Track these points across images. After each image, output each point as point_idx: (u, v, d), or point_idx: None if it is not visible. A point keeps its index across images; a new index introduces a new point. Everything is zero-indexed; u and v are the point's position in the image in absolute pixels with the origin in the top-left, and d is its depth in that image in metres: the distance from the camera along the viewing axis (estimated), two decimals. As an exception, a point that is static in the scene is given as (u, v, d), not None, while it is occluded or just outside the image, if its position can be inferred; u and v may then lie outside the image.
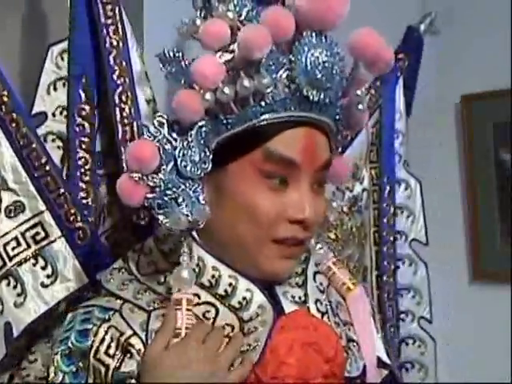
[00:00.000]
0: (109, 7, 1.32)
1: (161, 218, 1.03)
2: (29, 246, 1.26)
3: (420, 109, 1.91)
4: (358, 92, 1.11)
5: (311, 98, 1.03)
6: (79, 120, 1.31)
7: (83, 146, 1.31)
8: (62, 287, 1.26)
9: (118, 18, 1.33)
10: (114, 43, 1.33)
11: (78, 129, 1.30)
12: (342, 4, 1.04)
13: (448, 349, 1.99)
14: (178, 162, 1.03)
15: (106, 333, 1.04)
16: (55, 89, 1.32)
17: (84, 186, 1.30)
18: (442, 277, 2.01)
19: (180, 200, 1.03)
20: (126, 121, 1.32)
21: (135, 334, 1.04)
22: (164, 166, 1.03)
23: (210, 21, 1.05)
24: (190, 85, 1.02)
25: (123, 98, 1.33)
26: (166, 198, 1.03)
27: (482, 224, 2.17)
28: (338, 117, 1.10)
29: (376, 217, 1.72)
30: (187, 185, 1.04)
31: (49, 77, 1.32)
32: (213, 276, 1.07)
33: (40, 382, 1.26)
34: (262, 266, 1.06)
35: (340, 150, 1.25)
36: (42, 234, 1.26)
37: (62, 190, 1.27)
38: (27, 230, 1.26)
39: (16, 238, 1.26)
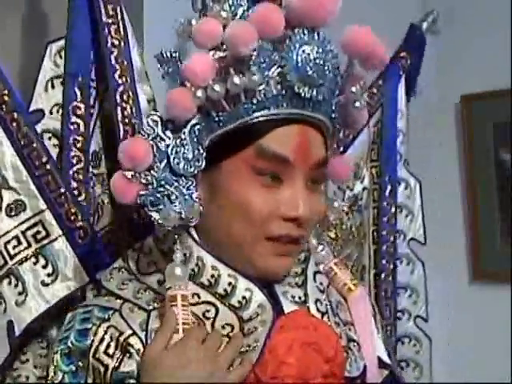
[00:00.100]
0: (110, 6, 1.32)
1: (153, 215, 1.03)
2: (29, 245, 1.26)
3: (420, 109, 1.91)
4: (353, 89, 1.10)
5: (303, 94, 1.03)
6: (74, 118, 1.30)
7: (77, 145, 1.30)
8: (62, 286, 1.26)
9: (119, 17, 1.33)
10: (116, 43, 1.33)
11: (72, 127, 1.30)
12: (333, 1, 1.04)
13: (448, 349, 2.00)
14: (171, 160, 1.03)
15: (106, 332, 1.04)
16: (53, 86, 1.32)
17: (75, 185, 1.29)
18: (441, 277, 2.02)
19: (173, 197, 1.03)
20: (127, 120, 1.32)
21: (134, 333, 1.04)
22: (158, 164, 1.03)
23: (202, 20, 1.06)
24: (183, 82, 1.03)
25: (124, 97, 1.33)
26: (158, 195, 1.03)
27: (482, 224, 2.17)
28: (333, 115, 1.10)
29: (375, 216, 1.72)
30: (180, 182, 1.04)
31: (47, 74, 1.31)
32: (212, 275, 1.07)
33: (40, 382, 1.26)
34: (256, 263, 1.06)
35: (341, 149, 1.24)
36: (43, 233, 1.26)
37: (62, 190, 1.27)
38: (28, 228, 1.26)
39: (17, 237, 1.26)
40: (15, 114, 1.25)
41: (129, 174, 1.03)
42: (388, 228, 1.71)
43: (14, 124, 1.25)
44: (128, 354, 1.03)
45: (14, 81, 1.30)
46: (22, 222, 1.26)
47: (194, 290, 1.07)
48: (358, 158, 1.68)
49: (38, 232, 1.26)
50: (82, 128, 1.31)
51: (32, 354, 1.28)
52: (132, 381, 1.02)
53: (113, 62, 1.32)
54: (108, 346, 1.04)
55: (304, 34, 1.04)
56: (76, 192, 1.29)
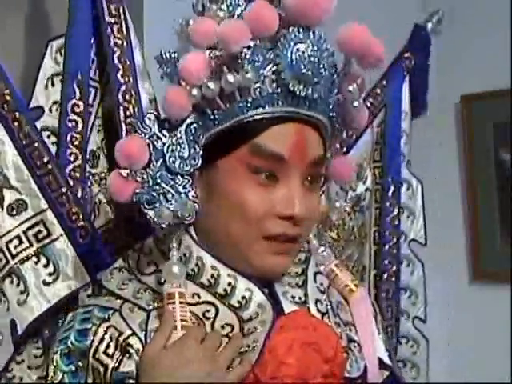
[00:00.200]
0: (113, 6, 1.33)
1: (149, 213, 1.03)
2: (31, 244, 1.26)
3: (420, 109, 1.91)
4: (350, 88, 1.09)
5: (298, 92, 1.03)
6: (72, 115, 1.30)
7: (74, 142, 1.30)
8: (63, 285, 1.27)
9: (122, 17, 1.34)
10: (119, 42, 1.33)
11: (70, 124, 1.30)
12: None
13: (448, 349, 2.00)
14: (167, 158, 1.04)
15: (106, 332, 1.05)
16: (52, 84, 1.32)
17: (72, 183, 1.29)
18: (441, 277, 2.02)
19: (169, 196, 1.04)
20: (129, 119, 1.32)
21: (134, 333, 1.04)
22: (154, 162, 1.04)
23: (199, 20, 1.06)
24: (179, 81, 1.04)
25: (127, 96, 1.33)
26: (154, 194, 1.03)
27: (482, 224, 2.17)
28: (331, 114, 1.10)
29: (377, 216, 1.71)
30: (176, 181, 1.04)
31: (47, 72, 1.31)
32: (212, 275, 1.07)
33: (40, 382, 1.26)
34: (253, 261, 1.06)
35: (344, 149, 1.24)
36: (44, 233, 1.27)
37: (63, 189, 1.27)
38: (29, 228, 1.26)
39: (18, 236, 1.26)
40: (17, 114, 1.25)
41: (125, 173, 1.04)
42: (391, 229, 1.71)
43: (16, 123, 1.25)
44: (127, 354, 1.03)
45: (16, 80, 1.30)
46: (24, 222, 1.26)
47: (194, 290, 1.07)
48: (361, 159, 1.68)
49: (40, 231, 1.27)
50: (79, 126, 1.31)
51: (27, 355, 1.28)
52: (132, 381, 1.02)
53: (115, 61, 1.33)
54: (108, 346, 1.04)
55: (299, 32, 1.04)
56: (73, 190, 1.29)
